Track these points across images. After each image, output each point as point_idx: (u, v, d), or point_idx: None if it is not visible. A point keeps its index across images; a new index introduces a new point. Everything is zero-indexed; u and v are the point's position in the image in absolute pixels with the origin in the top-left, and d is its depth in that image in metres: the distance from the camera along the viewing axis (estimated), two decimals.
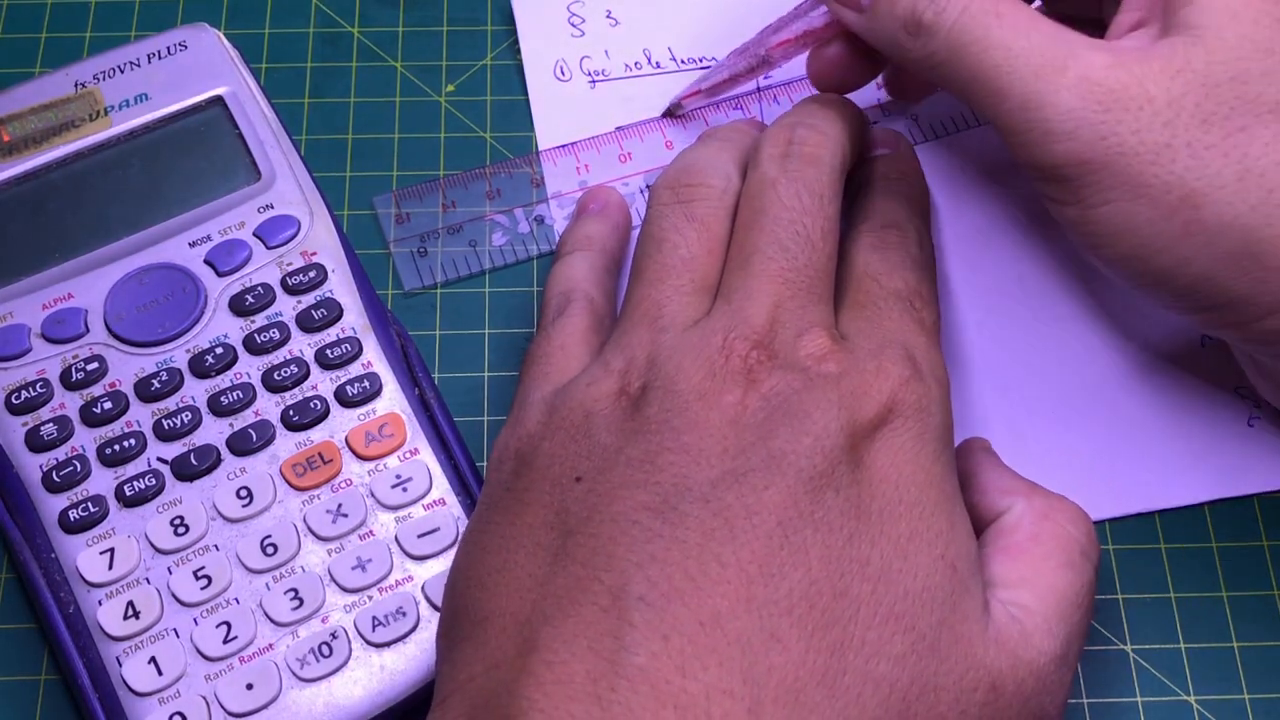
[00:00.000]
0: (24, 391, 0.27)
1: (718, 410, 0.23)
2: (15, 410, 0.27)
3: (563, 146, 0.33)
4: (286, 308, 0.28)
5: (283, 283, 0.29)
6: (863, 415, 0.23)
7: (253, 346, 0.28)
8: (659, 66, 0.34)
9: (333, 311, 0.28)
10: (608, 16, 0.34)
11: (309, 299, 0.28)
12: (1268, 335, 0.26)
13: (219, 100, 0.30)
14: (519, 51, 0.35)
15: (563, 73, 0.34)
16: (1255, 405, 0.30)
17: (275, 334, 0.28)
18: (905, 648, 0.21)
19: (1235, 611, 0.29)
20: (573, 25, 0.34)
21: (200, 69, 0.31)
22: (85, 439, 0.27)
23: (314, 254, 0.29)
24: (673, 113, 0.33)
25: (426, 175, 0.33)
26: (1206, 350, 0.31)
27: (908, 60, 0.27)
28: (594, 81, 0.34)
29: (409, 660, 0.25)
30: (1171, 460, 0.30)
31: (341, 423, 0.28)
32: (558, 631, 0.21)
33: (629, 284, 0.27)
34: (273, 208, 0.29)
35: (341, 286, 0.29)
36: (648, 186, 0.33)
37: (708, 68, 0.34)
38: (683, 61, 0.34)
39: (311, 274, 0.29)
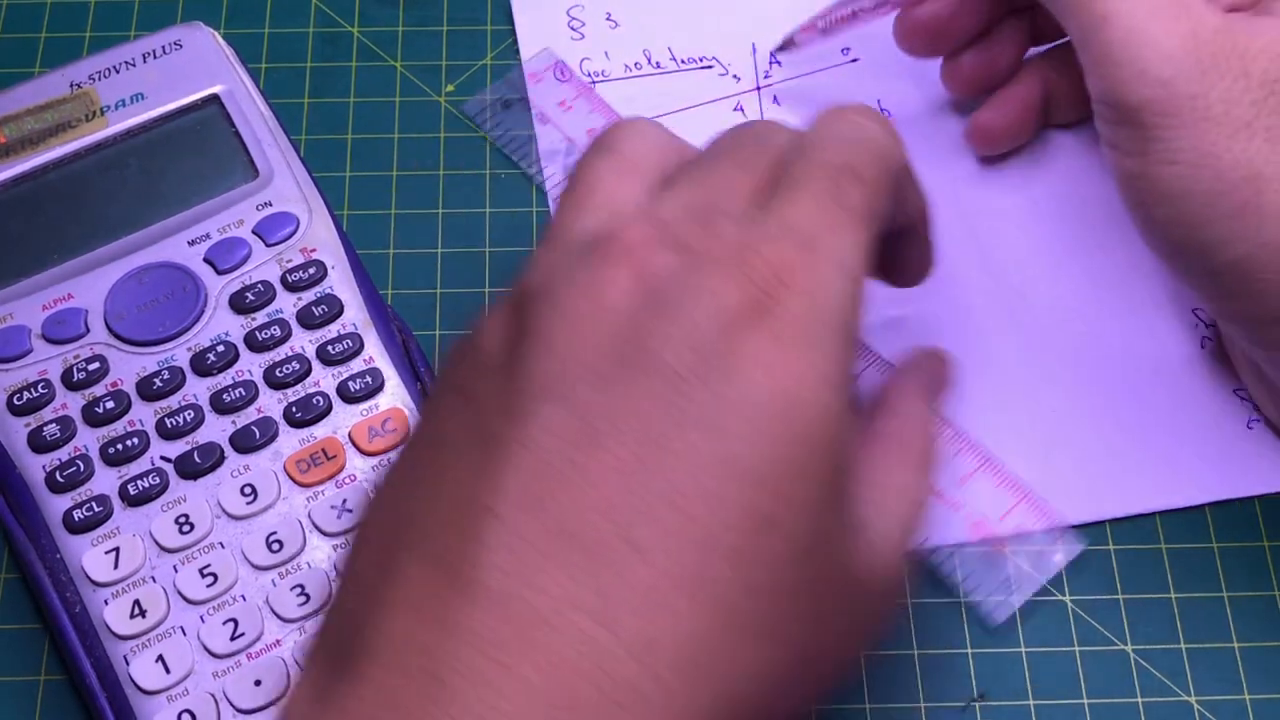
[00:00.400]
0: (26, 392, 0.26)
1: (590, 300, 0.21)
2: (17, 411, 0.26)
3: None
4: (287, 305, 0.28)
5: (283, 280, 0.28)
6: (741, 300, 0.21)
7: (254, 344, 0.27)
8: (659, 66, 0.33)
9: (333, 308, 0.28)
10: (608, 19, 0.34)
11: (309, 296, 0.28)
12: (1278, 339, 0.26)
13: (215, 99, 0.30)
14: (519, 52, 0.34)
15: (562, 74, 0.33)
16: (1255, 407, 0.29)
17: (276, 331, 0.27)
18: (778, 555, 0.20)
19: (1235, 611, 0.28)
20: (572, 29, 0.34)
21: (196, 68, 0.30)
22: (88, 439, 0.26)
23: (313, 251, 0.28)
24: (786, 46, 0.32)
25: (427, 175, 0.32)
26: (1207, 352, 0.30)
27: None
28: (594, 82, 0.33)
29: None
30: (1171, 461, 0.29)
31: (344, 418, 0.27)
32: (411, 555, 0.20)
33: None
34: (271, 205, 0.29)
35: (341, 283, 0.28)
36: None
37: (709, 67, 0.34)
38: (683, 61, 0.34)
39: (311, 271, 0.28)
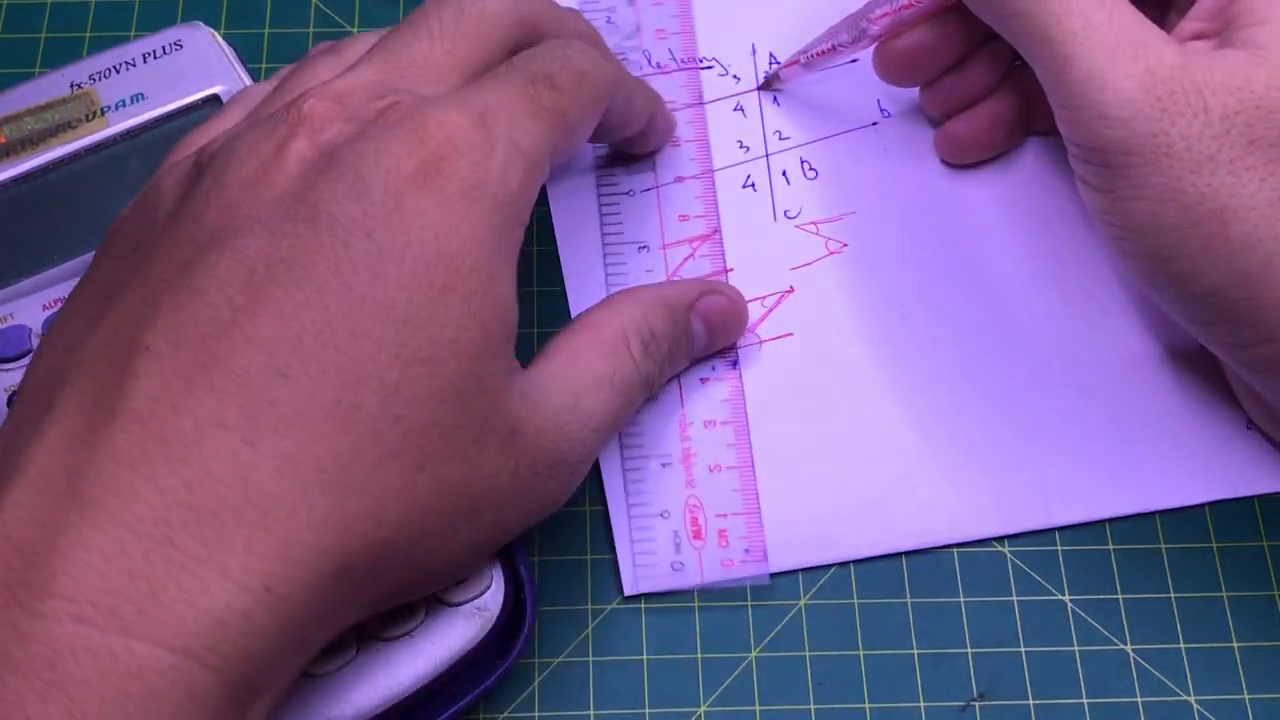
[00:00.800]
0: None
1: (267, 163, 0.23)
2: None
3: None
4: None
5: None
6: (408, 159, 0.22)
7: None
8: (659, 66, 0.33)
9: None
10: (608, 22, 0.34)
11: None
12: (1260, 362, 0.27)
13: (216, 99, 0.30)
14: None
15: None
16: (1250, 419, 0.30)
17: None
18: (428, 391, 0.22)
19: (1235, 611, 0.29)
20: None
21: (196, 68, 0.30)
22: None
23: None
24: (769, 85, 0.33)
25: None
26: (1206, 353, 0.30)
27: (990, 5, 0.26)
28: None
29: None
30: (1171, 462, 0.30)
31: None
32: (70, 391, 0.21)
33: None
34: None
35: None
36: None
37: (709, 67, 0.34)
38: (683, 61, 0.34)
39: None
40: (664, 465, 0.28)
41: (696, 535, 0.28)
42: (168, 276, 0.22)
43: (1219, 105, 0.25)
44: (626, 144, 0.31)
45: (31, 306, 0.27)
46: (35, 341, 0.27)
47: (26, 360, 0.27)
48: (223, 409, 0.21)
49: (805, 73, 0.32)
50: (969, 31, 0.30)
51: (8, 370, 0.27)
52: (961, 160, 0.32)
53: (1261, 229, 0.25)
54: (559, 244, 0.31)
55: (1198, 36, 0.27)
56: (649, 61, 0.34)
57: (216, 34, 0.31)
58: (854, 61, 0.33)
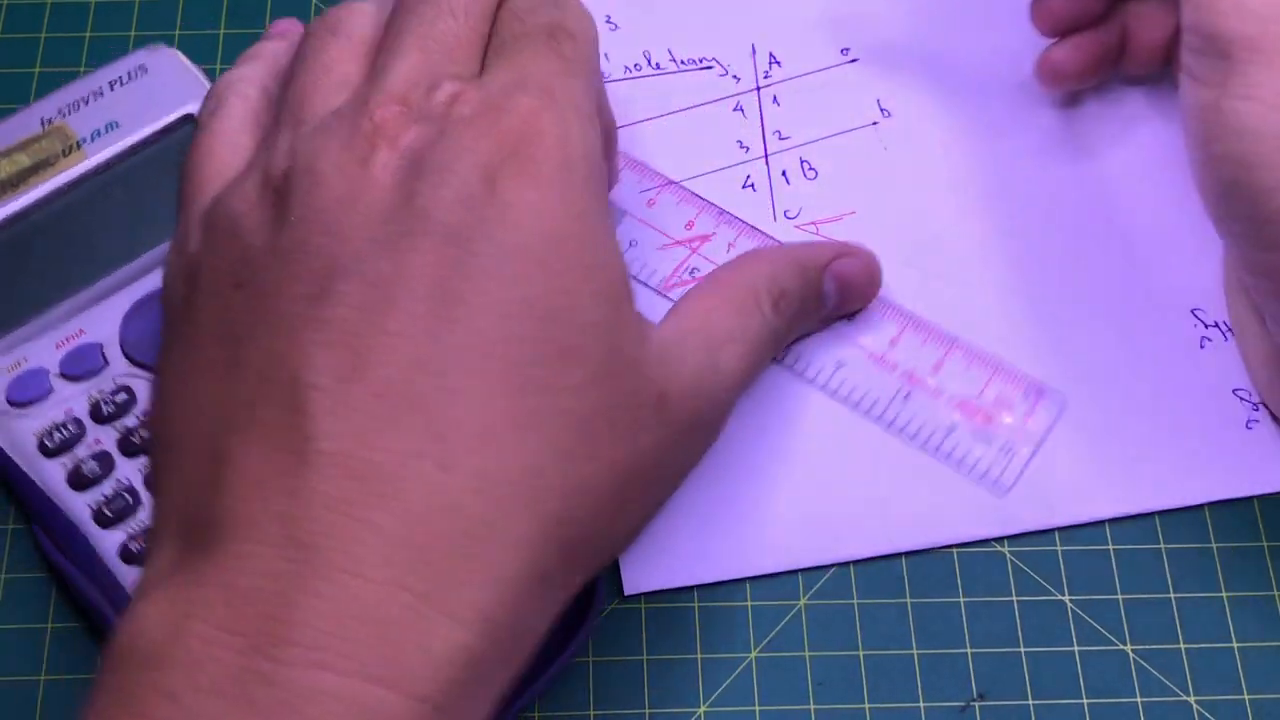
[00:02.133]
0: (56, 433, 0.37)
1: (356, 179, 0.30)
2: (50, 453, 0.37)
3: None
4: None
5: None
6: (497, 152, 0.30)
7: None
8: (659, 67, 0.45)
9: None
10: (607, 21, 0.46)
11: None
12: None
13: (191, 119, 0.41)
14: None
15: None
16: (1254, 407, 0.40)
17: None
18: (583, 379, 0.29)
19: (1235, 611, 0.37)
20: None
21: (166, 90, 0.42)
22: (129, 470, 0.37)
23: None
24: None
25: None
26: (1206, 352, 0.40)
27: None
28: None
29: None
30: (1171, 461, 0.39)
31: None
32: (242, 438, 0.28)
33: (277, 100, 0.34)
34: None
35: None
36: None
37: (709, 68, 0.46)
38: (683, 62, 0.46)
39: None
40: None
41: (697, 533, 0.38)
42: (298, 310, 0.29)
43: None
44: None
45: (44, 348, 0.38)
46: (55, 382, 0.38)
47: (50, 402, 0.37)
48: (411, 437, 0.28)
49: None
50: None
51: (29, 415, 0.37)
52: (1058, 89, 0.43)
53: None
54: None
55: None
56: (649, 61, 0.46)
57: (179, 53, 0.42)
58: (855, 61, 0.45)
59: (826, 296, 0.39)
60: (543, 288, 0.30)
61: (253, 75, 0.36)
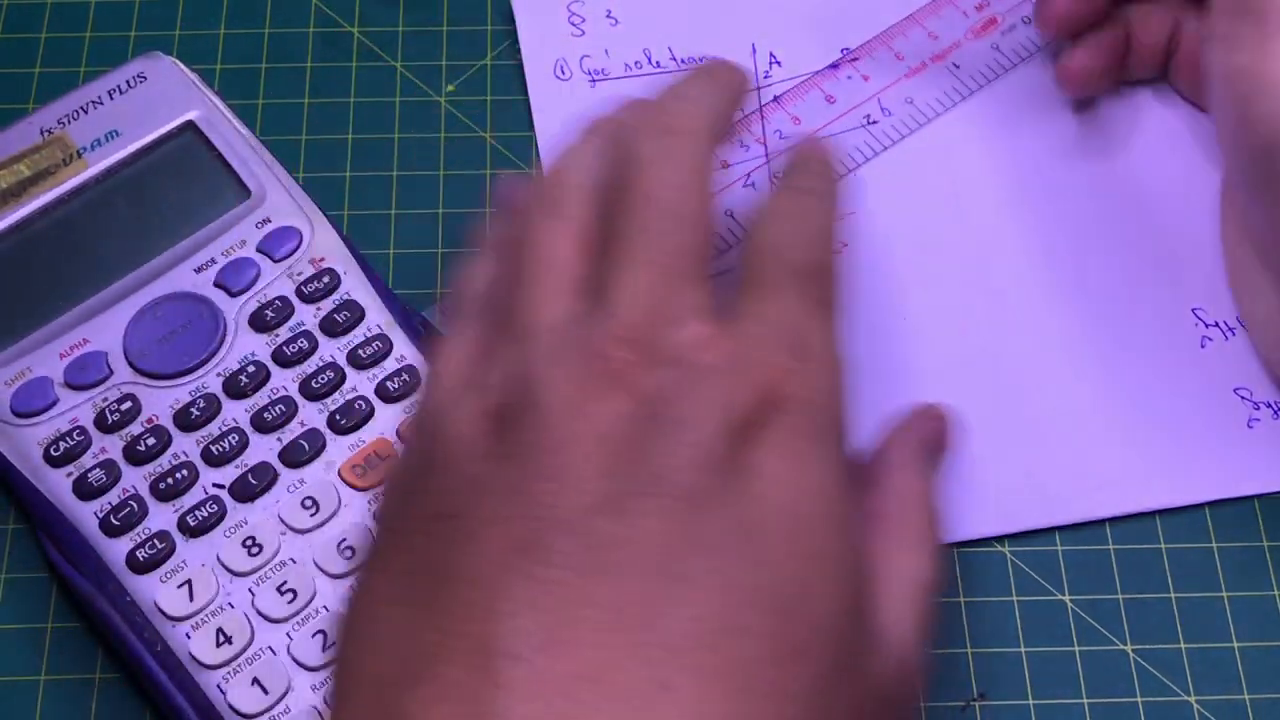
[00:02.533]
0: (61, 443, 0.37)
1: (586, 424, 0.27)
2: (56, 463, 0.37)
3: None
4: (307, 316, 0.39)
5: (298, 293, 0.39)
6: (745, 414, 0.27)
7: (283, 360, 0.39)
8: (659, 66, 0.46)
9: (355, 313, 0.39)
10: (608, 16, 0.46)
11: (328, 304, 0.39)
12: None
13: (191, 125, 0.42)
14: (519, 51, 0.46)
15: (563, 72, 0.46)
16: (1255, 406, 0.40)
17: (303, 344, 0.39)
18: (808, 684, 0.26)
19: (1235, 611, 0.38)
20: (573, 24, 0.46)
21: (164, 97, 0.42)
22: (135, 478, 0.37)
23: (322, 260, 0.40)
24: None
25: (427, 175, 0.45)
26: (1206, 351, 0.41)
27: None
28: (594, 80, 0.46)
29: None
30: (1171, 461, 0.40)
31: (390, 418, 0.38)
32: (424, 695, 0.25)
33: (497, 296, 0.32)
34: (271, 221, 0.40)
35: (358, 287, 0.40)
36: None
37: None
38: (683, 61, 0.46)
39: (325, 280, 0.40)
40: None
41: None
42: (504, 560, 0.26)
43: None
44: None
45: (48, 356, 0.38)
46: (59, 391, 0.38)
47: (54, 412, 0.38)
48: None
49: None
50: None
51: (34, 425, 0.38)
52: (1083, 95, 0.43)
53: None
54: None
55: None
56: (649, 59, 0.46)
57: (178, 61, 0.43)
58: (855, 61, 0.46)
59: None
60: (778, 575, 0.26)
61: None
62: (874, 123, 0.46)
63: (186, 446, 0.38)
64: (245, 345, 0.39)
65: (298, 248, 0.41)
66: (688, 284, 0.30)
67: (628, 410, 0.27)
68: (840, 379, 0.30)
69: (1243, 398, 0.41)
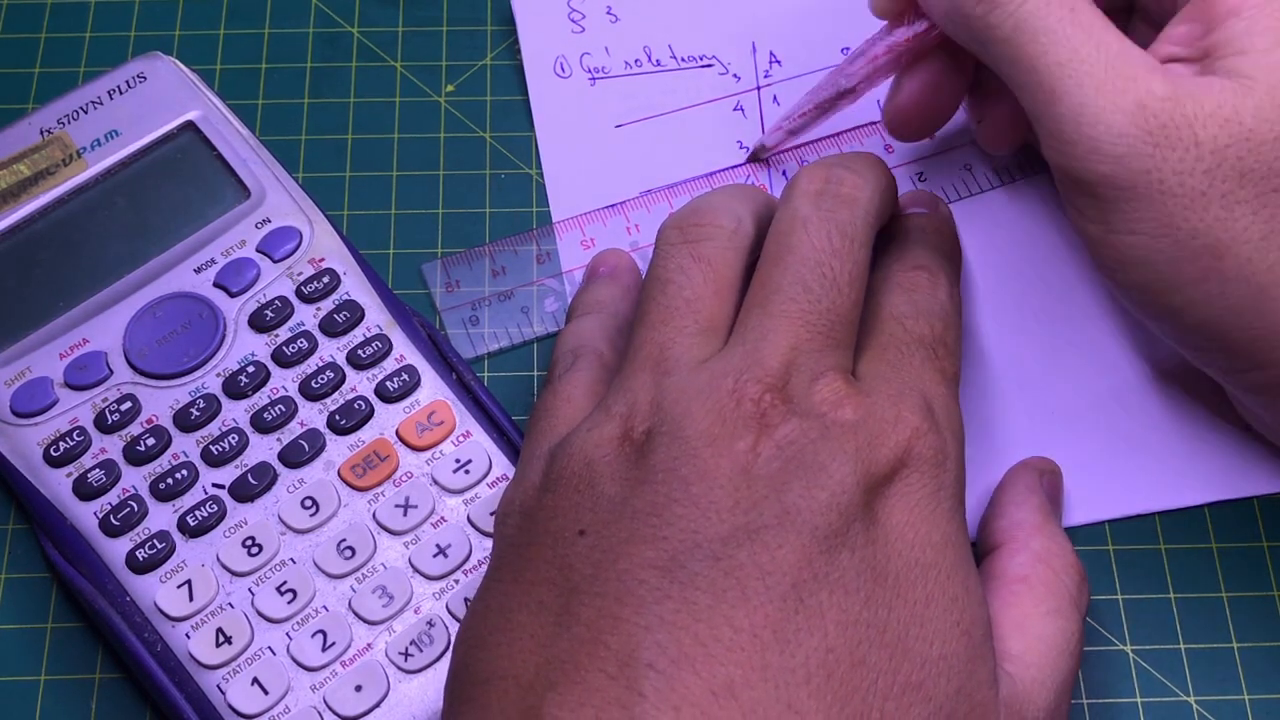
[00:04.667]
0: (61, 443, 0.37)
1: (728, 458, 0.29)
2: (55, 463, 0.37)
3: (571, 219, 0.43)
4: (307, 317, 0.39)
5: (298, 293, 0.40)
6: (878, 467, 0.30)
7: (283, 360, 0.39)
8: (659, 64, 0.46)
9: (355, 313, 0.39)
10: (608, 13, 0.46)
11: (328, 304, 0.40)
12: (1255, 386, 0.35)
13: (191, 125, 0.42)
14: (519, 51, 0.46)
15: (563, 69, 0.46)
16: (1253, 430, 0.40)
17: (303, 344, 0.39)
18: (924, 716, 0.28)
19: (1235, 612, 0.38)
20: (573, 21, 0.46)
21: (164, 98, 0.42)
22: (135, 478, 0.37)
23: (322, 260, 0.40)
24: (758, 156, 0.44)
25: (427, 175, 0.45)
26: None
27: (971, 33, 0.35)
28: (594, 78, 0.46)
29: None
30: (1171, 462, 0.40)
31: (389, 418, 0.38)
32: (563, 700, 0.27)
33: (633, 329, 0.34)
34: (270, 221, 0.40)
35: (357, 287, 0.40)
36: None
37: (709, 65, 0.46)
38: (683, 59, 0.46)
39: (325, 280, 0.40)
40: None
41: None
42: (645, 578, 0.28)
43: (1209, 139, 0.32)
44: None
45: (48, 357, 0.38)
46: (59, 391, 0.38)
47: (54, 411, 0.38)
48: None
49: (791, 139, 0.43)
50: (959, 66, 0.39)
51: (35, 425, 0.38)
52: (907, 138, 0.41)
53: (1255, 262, 0.33)
54: (558, 238, 0.45)
55: (1172, 60, 0.35)
56: (649, 58, 0.46)
57: (177, 61, 0.43)
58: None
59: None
60: (898, 615, 0.28)
61: (598, 334, 0.37)
62: (874, 124, 0.46)
63: (186, 447, 0.38)
64: (245, 345, 0.40)
65: (297, 248, 0.41)
66: (830, 345, 0.32)
67: (767, 451, 0.29)
68: (961, 446, 0.32)
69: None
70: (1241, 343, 0.34)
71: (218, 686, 0.35)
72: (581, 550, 0.29)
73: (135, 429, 0.39)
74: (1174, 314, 0.35)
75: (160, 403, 0.39)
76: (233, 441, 0.38)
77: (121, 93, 0.42)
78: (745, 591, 0.27)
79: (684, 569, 0.28)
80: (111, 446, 0.38)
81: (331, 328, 0.40)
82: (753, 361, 0.31)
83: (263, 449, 0.38)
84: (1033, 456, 0.39)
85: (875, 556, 0.29)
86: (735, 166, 0.45)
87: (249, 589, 0.37)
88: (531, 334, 0.42)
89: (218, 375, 0.39)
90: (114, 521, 0.37)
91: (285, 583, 0.37)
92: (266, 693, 0.36)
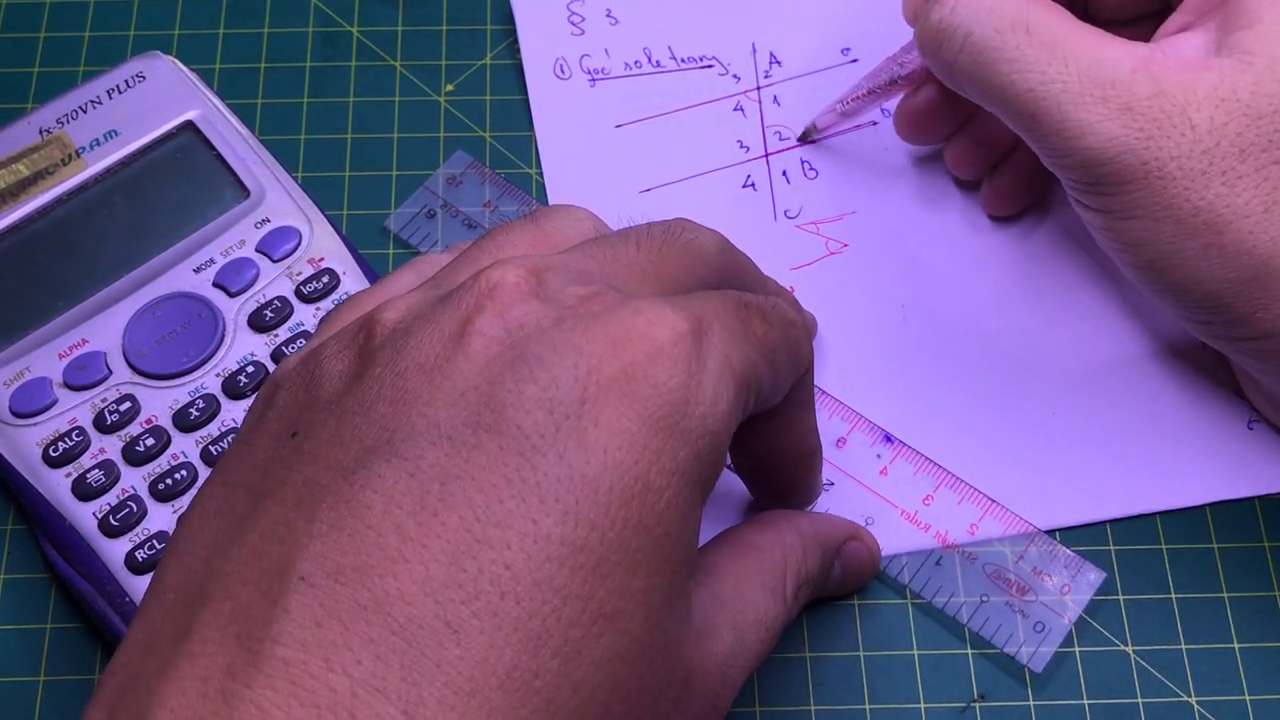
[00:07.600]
0: (60, 443, 0.38)
1: (448, 347, 0.26)
2: (55, 463, 0.38)
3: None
4: (307, 316, 0.40)
5: (297, 293, 0.40)
6: (608, 362, 0.26)
7: (283, 360, 0.38)
8: (659, 65, 0.47)
9: None
10: (608, 15, 0.47)
11: (328, 304, 0.40)
12: (1260, 352, 0.36)
13: (190, 125, 0.42)
14: (518, 51, 0.47)
15: (562, 71, 0.46)
16: (1255, 408, 0.41)
17: (303, 344, 0.38)
18: (613, 651, 0.25)
19: (1235, 612, 0.39)
20: (573, 24, 0.47)
21: (163, 97, 0.42)
22: (134, 479, 0.37)
23: (321, 260, 0.40)
24: (808, 136, 0.45)
25: (426, 175, 0.45)
26: (1207, 353, 0.42)
27: (940, 71, 0.36)
28: (594, 80, 0.46)
29: None
30: (1172, 462, 0.40)
31: None
32: (212, 616, 0.24)
33: None
34: (270, 221, 0.41)
35: (357, 287, 0.40)
36: None
37: (709, 66, 0.47)
38: (683, 60, 0.47)
39: (324, 280, 0.40)
40: None
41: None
42: (327, 482, 0.25)
43: (1205, 121, 0.34)
44: (771, 471, 0.36)
45: (47, 357, 0.39)
46: (58, 392, 0.38)
47: (54, 412, 0.38)
48: (383, 669, 0.23)
49: (843, 121, 0.44)
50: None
51: (34, 425, 0.38)
52: (1008, 212, 0.43)
53: (1256, 234, 0.34)
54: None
55: (1184, 29, 0.36)
56: (649, 59, 0.47)
57: (177, 61, 0.43)
58: (855, 62, 0.46)
59: (831, 579, 0.37)
60: (601, 536, 0.25)
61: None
62: (874, 124, 0.46)
63: (186, 446, 0.39)
64: (245, 345, 0.40)
65: (297, 248, 0.41)
66: (617, 278, 0.29)
67: (492, 334, 0.27)
68: (729, 395, 0.28)
69: (1243, 398, 0.42)
70: (1245, 313, 0.35)
71: None
72: (285, 453, 0.27)
73: (134, 429, 0.39)
74: (1180, 289, 0.36)
75: (160, 403, 0.39)
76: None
77: (121, 92, 0.43)
78: (424, 497, 0.25)
79: (366, 470, 0.25)
80: (111, 447, 0.39)
81: None
82: (518, 257, 0.29)
83: None
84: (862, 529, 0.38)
85: (586, 465, 0.25)
86: (735, 165, 0.46)
87: None
88: None
89: (217, 375, 0.40)
90: (113, 522, 0.38)
91: None
92: None
